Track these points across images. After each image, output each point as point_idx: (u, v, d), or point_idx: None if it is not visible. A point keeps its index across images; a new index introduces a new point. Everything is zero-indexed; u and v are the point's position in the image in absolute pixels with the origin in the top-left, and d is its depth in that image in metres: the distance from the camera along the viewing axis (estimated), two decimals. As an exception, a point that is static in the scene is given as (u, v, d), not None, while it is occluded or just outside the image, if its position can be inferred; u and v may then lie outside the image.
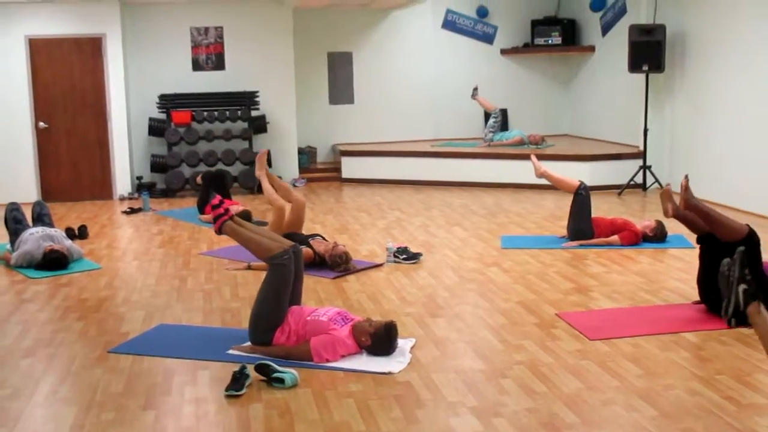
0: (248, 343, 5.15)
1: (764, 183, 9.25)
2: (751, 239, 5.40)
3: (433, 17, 13.78)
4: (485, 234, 8.69)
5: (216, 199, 5.41)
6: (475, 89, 13.02)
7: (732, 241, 5.39)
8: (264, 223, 9.26)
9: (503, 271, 7.11)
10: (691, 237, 7.13)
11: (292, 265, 5.14)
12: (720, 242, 5.47)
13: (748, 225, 5.50)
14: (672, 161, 11.24)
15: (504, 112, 13.70)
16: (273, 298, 5.08)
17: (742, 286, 3.39)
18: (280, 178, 8.72)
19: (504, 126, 13.67)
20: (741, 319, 3.38)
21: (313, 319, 5.04)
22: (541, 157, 11.71)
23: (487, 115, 13.55)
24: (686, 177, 5.64)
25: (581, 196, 8.09)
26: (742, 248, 3.54)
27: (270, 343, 5.02)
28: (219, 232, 5.36)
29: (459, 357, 5.01)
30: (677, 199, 5.74)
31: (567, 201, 10.35)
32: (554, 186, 8.70)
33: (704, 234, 5.65)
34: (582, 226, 8.04)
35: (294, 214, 7.71)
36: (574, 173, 11.26)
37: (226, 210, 5.35)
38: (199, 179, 10.69)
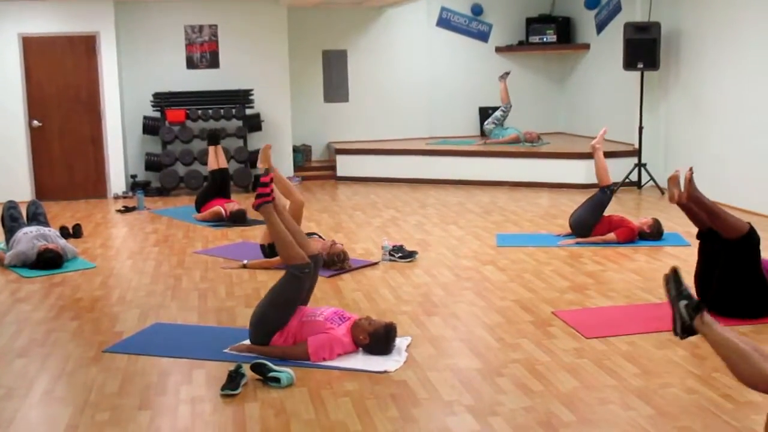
0: (243, 343, 5.13)
1: (759, 180, 9.26)
2: (750, 238, 5.40)
3: (427, 15, 13.77)
4: (481, 232, 8.68)
5: (268, 177, 5.30)
6: (508, 73, 12.87)
7: (732, 238, 5.39)
8: (263, 222, 9.25)
9: (499, 269, 7.11)
10: (688, 235, 7.14)
11: (309, 280, 5.13)
12: (719, 239, 5.47)
13: (749, 223, 5.49)
14: (667, 159, 11.24)
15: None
16: (282, 305, 5.05)
17: (683, 302, 3.46)
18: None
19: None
20: (692, 332, 3.44)
21: (310, 319, 5.02)
22: (537, 155, 11.75)
23: (483, 114, 13.57)
24: (691, 169, 5.63)
25: (605, 195, 8.09)
26: (673, 266, 3.62)
27: (267, 344, 5.00)
28: (257, 208, 5.24)
29: (455, 356, 5.00)
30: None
31: (562, 198, 10.40)
32: (594, 166, 8.50)
33: (704, 229, 5.64)
34: (589, 221, 8.02)
35: (292, 213, 7.65)
36: (569, 171, 11.34)
37: (272, 191, 5.26)
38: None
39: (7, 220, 8.10)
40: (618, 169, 11.25)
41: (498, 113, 12.76)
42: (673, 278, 3.56)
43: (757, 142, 9.31)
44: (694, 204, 5.56)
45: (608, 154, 11.42)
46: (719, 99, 10.02)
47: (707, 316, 3.40)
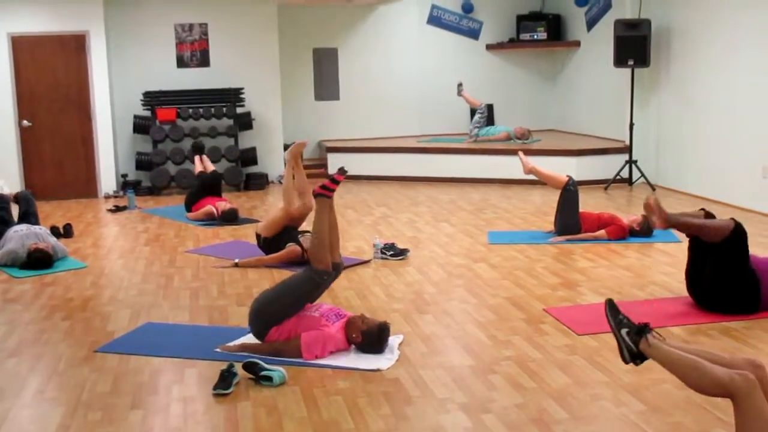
0: (234, 342, 5.13)
1: (750, 176, 9.29)
2: (736, 235, 5.41)
3: (418, 13, 13.77)
4: (472, 230, 8.68)
5: (341, 176, 5.34)
6: (460, 85, 13.01)
7: (720, 240, 5.40)
8: (254, 221, 9.25)
9: (491, 266, 7.11)
10: (678, 232, 7.14)
11: (325, 287, 5.15)
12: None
13: (733, 219, 5.51)
14: (658, 156, 11.27)
15: (490, 108, 13.69)
16: (290, 301, 5.05)
17: (624, 330, 3.53)
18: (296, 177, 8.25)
19: (490, 121, 13.67)
20: (641, 357, 3.52)
21: (306, 314, 5.03)
22: (528, 152, 11.71)
23: (473, 111, 13.56)
24: (654, 198, 5.60)
25: (570, 192, 8.09)
26: (607, 299, 3.70)
27: (264, 336, 5.00)
28: (316, 196, 5.28)
29: (447, 353, 5.01)
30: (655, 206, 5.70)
31: (554, 196, 10.36)
32: (542, 182, 8.70)
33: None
34: (569, 222, 8.05)
35: (299, 213, 7.62)
36: (560, 168, 11.27)
37: (333, 191, 5.29)
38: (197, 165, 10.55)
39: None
40: (609, 166, 11.30)
41: (476, 117, 12.84)
42: (609, 310, 3.62)
43: (747, 138, 9.34)
44: (673, 226, 5.58)
45: (600, 151, 11.55)
46: (709, 95, 10.04)
47: (651, 339, 3.48)
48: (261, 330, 5.03)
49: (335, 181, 5.29)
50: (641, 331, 3.50)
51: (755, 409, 3.17)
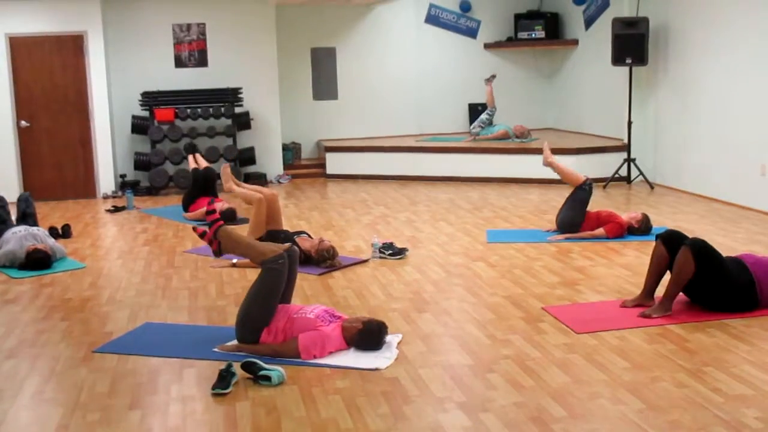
0: (233, 342, 5.12)
1: (748, 174, 9.29)
2: (702, 258, 5.40)
3: (416, 12, 13.76)
4: (471, 228, 8.68)
5: (212, 206, 5.41)
6: (494, 76, 12.89)
7: (694, 272, 5.39)
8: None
9: (489, 265, 7.11)
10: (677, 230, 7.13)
11: (286, 270, 5.11)
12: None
13: (687, 246, 5.46)
14: (656, 154, 11.27)
15: (487, 106, 13.75)
16: (262, 300, 5.05)
17: None
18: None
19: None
20: None
21: (300, 316, 5.02)
22: (526, 152, 11.76)
23: (472, 111, 13.57)
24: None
25: (584, 191, 8.09)
26: None
27: (257, 342, 5.00)
28: (214, 235, 5.30)
29: (446, 352, 5.01)
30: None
31: (552, 195, 10.40)
32: (559, 177, 8.62)
33: (667, 237, 5.67)
34: (575, 219, 8.04)
35: (268, 207, 7.68)
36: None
37: (216, 211, 5.35)
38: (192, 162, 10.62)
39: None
40: (607, 165, 11.30)
41: (484, 116, 12.80)
42: None
43: (745, 137, 9.34)
44: (668, 310, 5.56)
45: (598, 149, 11.54)
46: (708, 93, 10.04)
47: None
48: (251, 336, 5.01)
49: (211, 212, 5.36)
50: None
51: None
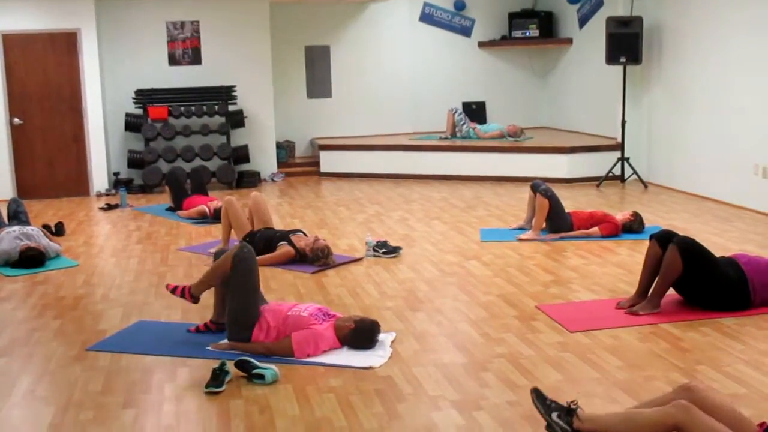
0: (226, 341, 5.12)
1: (741, 173, 9.31)
2: (688, 254, 5.43)
3: (410, 10, 13.76)
4: (465, 227, 8.68)
5: (177, 291, 5.39)
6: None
7: (682, 270, 5.43)
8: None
9: (483, 264, 7.12)
10: (670, 228, 7.15)
11: (251, 257, 5.09)
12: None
13: (676, 245, 5.46)
14: (650, 153, 11.29)
15: (482, 105, 13.76)
16: (239, 295, 5.05)
17: (555, 414, 3.63)
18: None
19: (482, 119, 13.70)
20: None
21: (294, 314, 5.01)
22: (520, 150, 11.77)
23: (466, 110, 13.58)
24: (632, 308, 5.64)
25: (547, 196, 8.01)
26: (533, 387, 3.79)
27: (249, 341, 4.99)
28: (195, 298, 5.35)
29: (440, 351, 5.01)
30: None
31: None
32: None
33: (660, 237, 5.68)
34: (560, 222, 8.04)
35: (252, 206, 7.70)
36: (551, 165, 11.38)
37: (182, 289, 5.36)
38: None
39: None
40: (601, 163, 11.31)
41: (457, 118, 12.88)
42: (537, 398, 3.72)
43: (739, 136, 9.36)
44: (657, 306, 5.59)
45: (592, 148, 11.57)
46: (701, 92, 10.06)
47: (582, 413, 3.59)
48: (243, 336, 5.01)
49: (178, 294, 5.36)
50: (570, 411, 3.60)
51: (703, 427, 3.25)
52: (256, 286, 5.12)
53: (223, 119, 12.17)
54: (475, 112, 13.83)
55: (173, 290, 5.35)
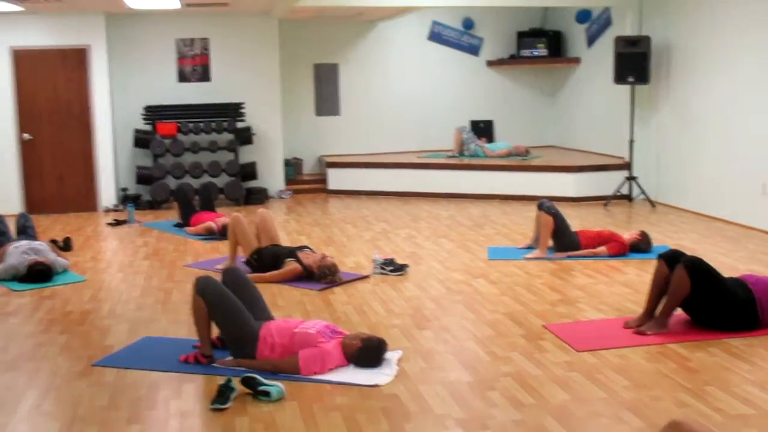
0: (232, 357, 5.11)
1: (750, 193, 9.29)
2: (696, 275, 5.43)
3: (419, 29, 13.80)
4: (472, 245, 8.68)
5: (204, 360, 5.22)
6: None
7: (690, 289, 5.42)
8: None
9: (490, 282, 7.10)
10: (678, 248, 7.13)
11: (212, 281, 5.10)
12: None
13: (684, 265, 5.45)
14: (658, 172, 11.27)
15: (489, 124, 13.78)
16: (228, 316, 5.03)
17: None
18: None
19: (490, 138, 13.71)
20: None
21: (301, 331, 5.00)
22: (528, 169, 11.77)
23: (474, 126, 13.61)
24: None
25: (552, 214, 8.02)
26: None
27: (254, 357, 4.98)
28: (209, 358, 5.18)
29: (446, 369, 4.99)
30: None
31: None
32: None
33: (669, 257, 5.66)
34: (566, 241, 8.03)
35: (260, 223, 7.72)
36: (559, 184, 11.38)
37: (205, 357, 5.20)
38: None
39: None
40: (609, 183, 11.30)
41: (465, 137, 12.95)
42: None
43: (747, 155, 9.34)
44: (665, 326, 5.58)
45: (599, 167, 11.56)
46: (709, 112, 10.06)
47: None
48: (245, 352, 5.00)
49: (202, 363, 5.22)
50: None
51: None
52: (237, 304, 5.07)
53: (231, 136, 12.21)
54: (483, 130, 13.85)
55: (185, 361, 5.19)
